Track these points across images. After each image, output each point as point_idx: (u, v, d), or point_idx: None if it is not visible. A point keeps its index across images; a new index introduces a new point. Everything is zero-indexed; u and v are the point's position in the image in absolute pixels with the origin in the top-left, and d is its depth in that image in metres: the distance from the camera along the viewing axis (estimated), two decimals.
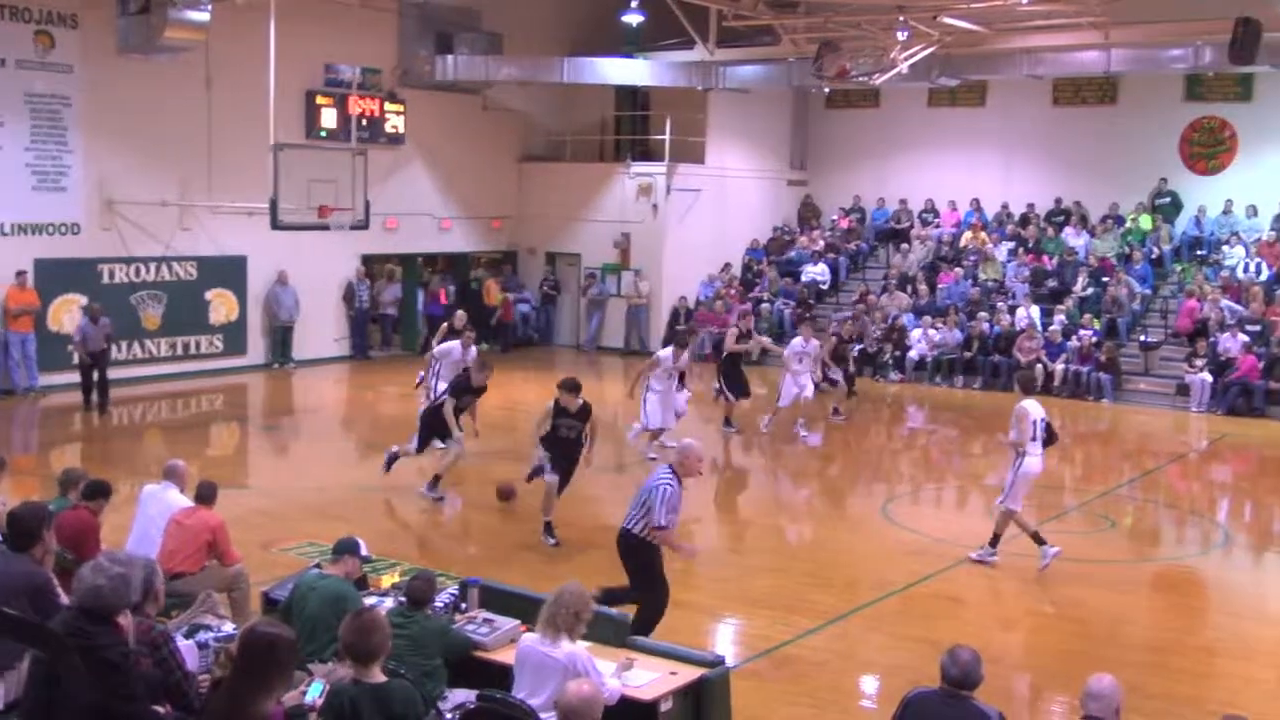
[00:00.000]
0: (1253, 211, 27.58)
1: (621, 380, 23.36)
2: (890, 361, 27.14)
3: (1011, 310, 27.01)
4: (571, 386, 13.30)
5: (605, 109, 32.45)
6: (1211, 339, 24.37)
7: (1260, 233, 27.17)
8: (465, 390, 15.29)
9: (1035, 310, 26.71)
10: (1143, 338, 25.62)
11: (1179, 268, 27.44)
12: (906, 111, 31.38)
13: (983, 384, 25.83)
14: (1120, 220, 28.81)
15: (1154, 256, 27.67)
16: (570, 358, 29.28)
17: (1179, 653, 11.07)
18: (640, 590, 10.02)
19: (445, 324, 19.43)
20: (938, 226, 31.03)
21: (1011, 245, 29.50)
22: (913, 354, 26.93)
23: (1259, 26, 21.41)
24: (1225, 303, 25.12)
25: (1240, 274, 26.40)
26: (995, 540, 13.19)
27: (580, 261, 31.16)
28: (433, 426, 15.34)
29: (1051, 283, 27.81)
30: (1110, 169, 28.94)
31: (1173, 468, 19.76)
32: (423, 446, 15.58)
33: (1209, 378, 23.72)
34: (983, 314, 26.83)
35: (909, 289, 29.11)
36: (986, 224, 30.44)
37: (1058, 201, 29.89)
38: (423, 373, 18.26)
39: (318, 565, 8.76)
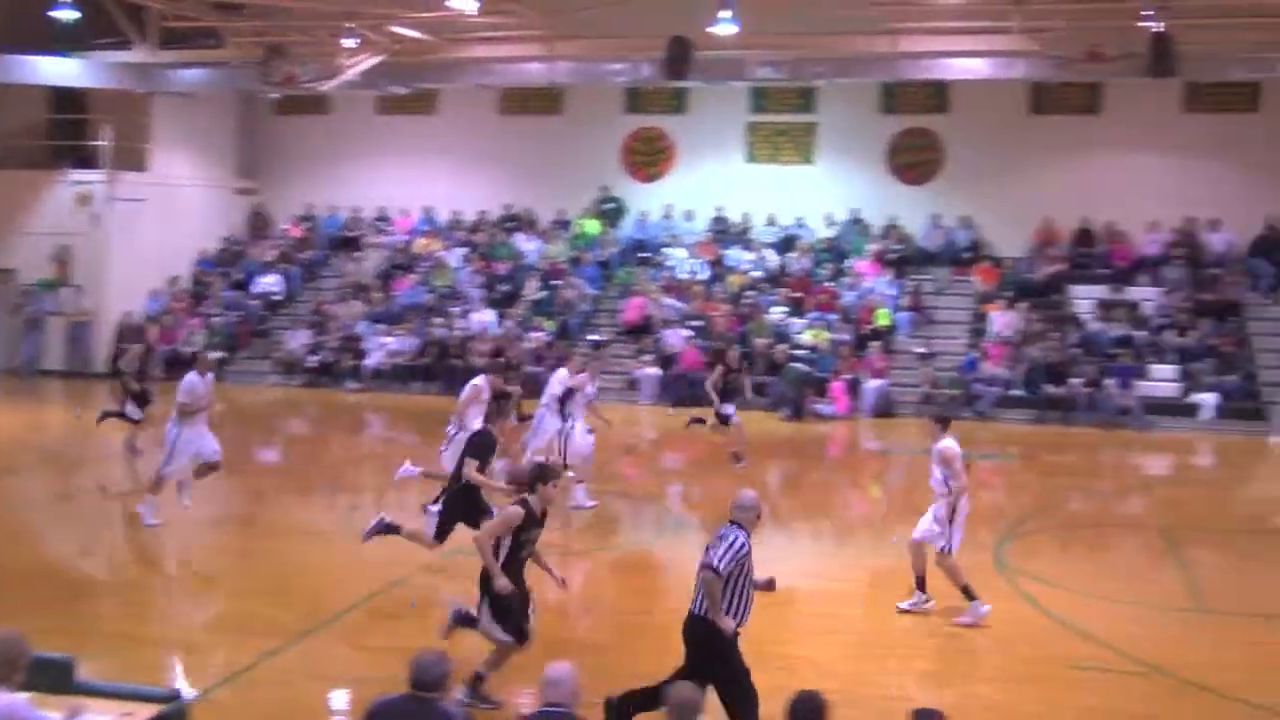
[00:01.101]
0: (690, 216, 29.10)
1: (65, 406, 21.34)
2: (348, 370, 26.52)
3: (466, 315, 27.08)
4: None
5: (38, 111, 29.66)
6: (657, 335, 25.46)
7: (698, 235, 28.71)
8: None
9: (489, 314, 26.92)
10: (593, 336, 26.36)
11: (624, 269, 28.48)
12: (357, 119, 30.86)
13: (441, 389, 25.65)
14: (568, 225, 29.61)
15: (601, 259, 28.60)
16: (3, 384, 26.59)
17: (644, 634, 11.14)
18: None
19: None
20: (391, 234, 30.68)
21: (465, 251, 29.61)
22: (369, 362, 26.43)
23: (690, 45, 22.60)
24: (668, 301, 26.34)
25: (681, 274, 27.73)
26: (921, 583, 11.80)
27: (14, 278, 28.37)
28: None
29: (504, 287, 28.15)
30: (558, 176, 29.66)
31: (625, 459, 20.32)
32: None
33: (657, 371, 24.75)
34: (438, 320, 26.73)
35: (364, 297, 28.58)
36: (439, 230, 30.41)
37: (508, 208, 30.34)
38: None
39: None
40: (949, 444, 11.62)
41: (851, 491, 19.14)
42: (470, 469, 11.48)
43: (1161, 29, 20.90)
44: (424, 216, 30.78)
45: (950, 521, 11.52)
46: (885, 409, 24.08)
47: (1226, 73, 24.48)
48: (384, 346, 26.53)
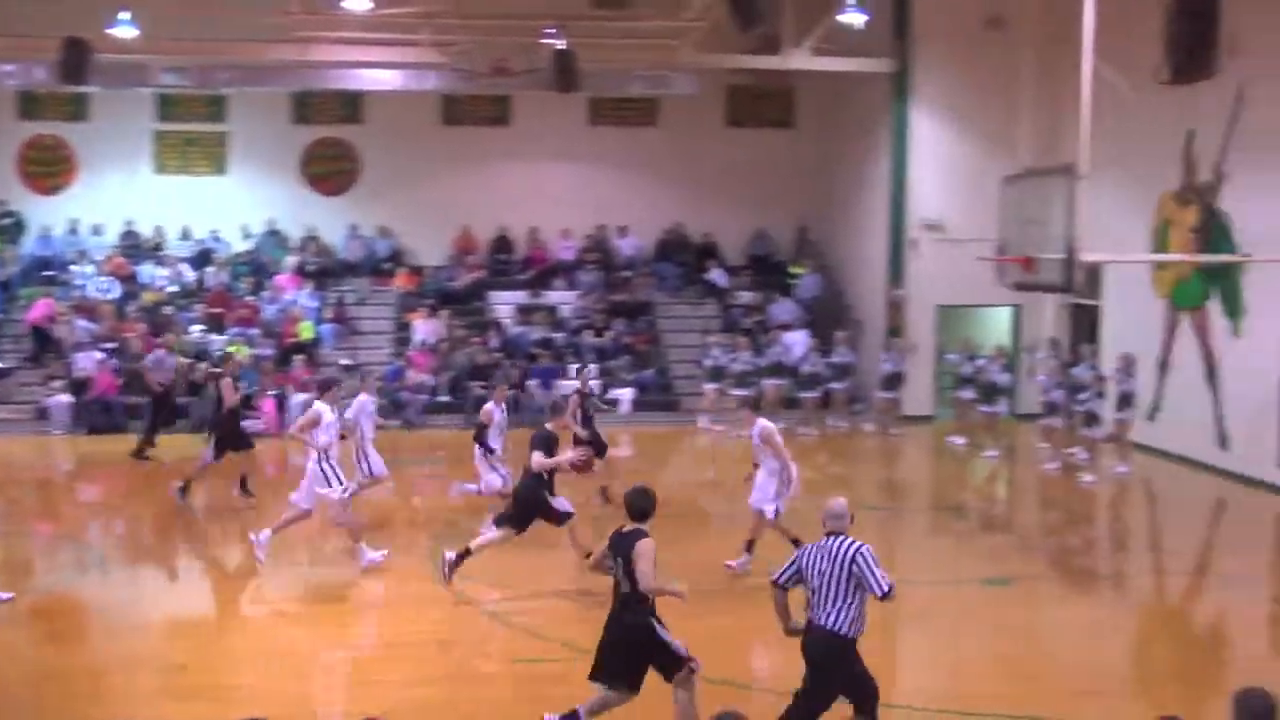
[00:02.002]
0: (99, 230, 27.36)
1: None
2: None
3: None
4: None
5: None
6: (68, 359, 23.80)
7: (107, 251, 27.06)
8: None
9: None
10: None
11: (27, 290, 26.31)
12: None
13: None
14: None
15: (1, 280, 26.34)
16: None
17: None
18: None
19: None
20: None
21: None
22: None
23: (88, 47, 21.21)
24: (79, 322, 24.67)
25: (91, 292, 26.02)
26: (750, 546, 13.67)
27: None
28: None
29: None
30: None
31: (37, 495, 18.88)
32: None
33: (69, 398, 23.10)
34: None
35: None
36: None
37: None
38: None
39: None
40: (765, 424, 13.50)
41: (285, 510, 18.60)
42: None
43: (564, 46, 21.89)
44: None
45: (778, 494, 13.40)
46: None
47: (627, 89, 26.04)
48: None
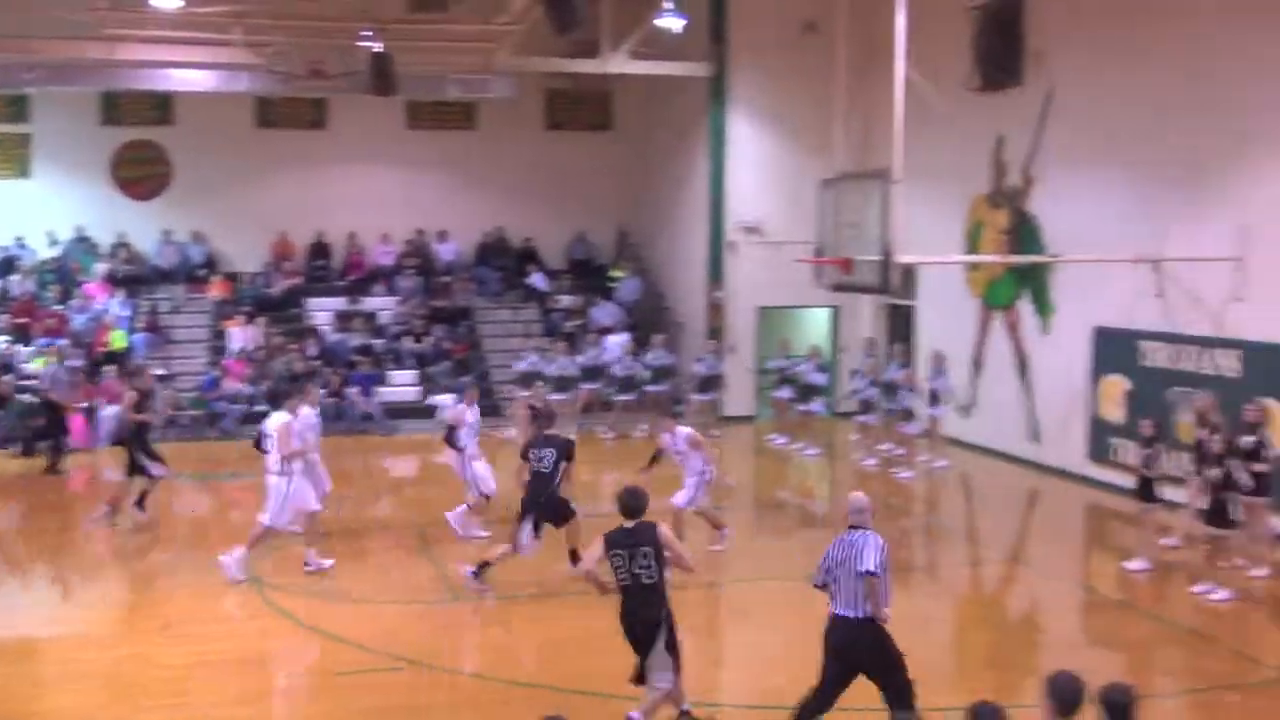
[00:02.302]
0: None
1: None
2: None
3: None
4: None
5: None
6: None
7: None
8: None
9: None
10: None
11: None
12: None
13: None
14: None
15: None
16: None
17: None
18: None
19: None
20: None
21: None
22: None
23: None
24: None
25: None
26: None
27: None
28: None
29: None
30: None
31: None
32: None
33: None
34: None
35: None
36: None
37: None
38: None
39: None
40: (687, 430, 14.60)
41: (92, 526, 17.94)
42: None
43: (380, 49, 21.57)
44: None
45: (699, 488, 14.47)
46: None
47: (444, 92, 25.79)
48: None
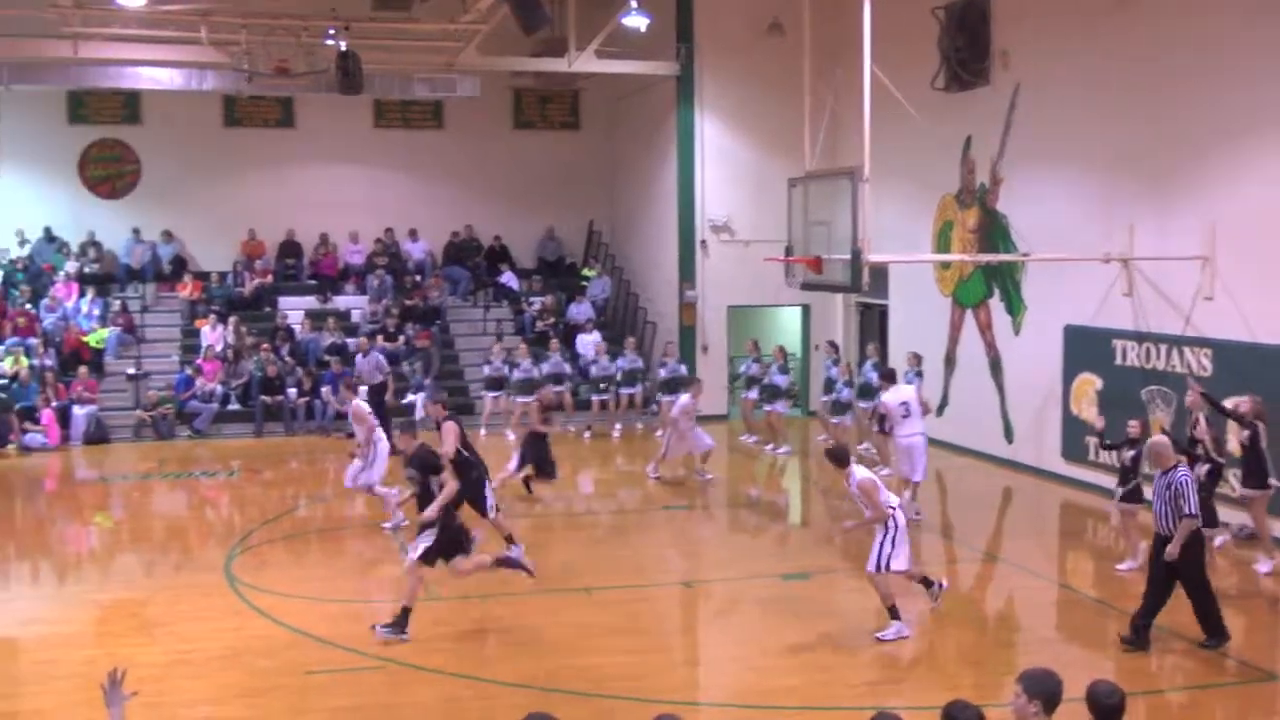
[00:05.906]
0: None
1: None
2: None
3: None
4: None
5: None
6: None
7: None
8: None
9: None
10: None
11: None
12: None
13: None
14: None
15: None
16: None
17: None
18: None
19: None
20: None
21: None
22: None
23: None
24: None
25: None
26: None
27: None
28: None
29: None
30: None
31: None
32: None
33: None
34: None
35: None
36: None
37: None
38: None
39: None
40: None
41: (70, 526, 17.86)
42: None
43: (346, 48, 21.51)
44: None
45: None
46: (99, 435, 22.78)
47: (411, 91, 25.75)
48: None
